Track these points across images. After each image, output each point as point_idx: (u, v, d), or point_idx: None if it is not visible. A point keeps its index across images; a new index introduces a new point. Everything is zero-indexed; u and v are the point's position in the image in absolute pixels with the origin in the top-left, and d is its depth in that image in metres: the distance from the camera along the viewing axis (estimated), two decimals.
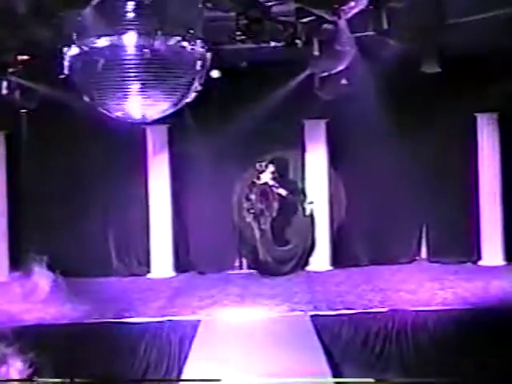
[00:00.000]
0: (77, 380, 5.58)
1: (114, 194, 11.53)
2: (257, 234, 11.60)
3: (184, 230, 12.10)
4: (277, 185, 11.71)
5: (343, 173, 11.94)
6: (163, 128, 11.71)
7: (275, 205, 11.69)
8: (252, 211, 11.61)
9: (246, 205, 11.69)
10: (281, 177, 11.82)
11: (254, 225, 11.61)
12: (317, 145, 11.88)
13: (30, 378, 6.15)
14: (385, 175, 11.46)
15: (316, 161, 11.92)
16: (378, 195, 11.66)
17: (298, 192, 11.96)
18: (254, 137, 11.39)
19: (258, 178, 11.70)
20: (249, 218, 11.67)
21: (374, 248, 11.88)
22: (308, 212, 11.87)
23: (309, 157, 11.97)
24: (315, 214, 11.90)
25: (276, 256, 11.66)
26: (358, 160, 11.65)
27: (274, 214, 11.67)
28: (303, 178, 12.05)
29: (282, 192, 11.71)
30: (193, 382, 6.82)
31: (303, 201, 11.88)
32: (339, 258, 11.90)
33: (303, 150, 11.98)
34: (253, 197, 11.64)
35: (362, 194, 11.72)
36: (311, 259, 11.95)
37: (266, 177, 11.69)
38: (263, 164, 11.67)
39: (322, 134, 11.85)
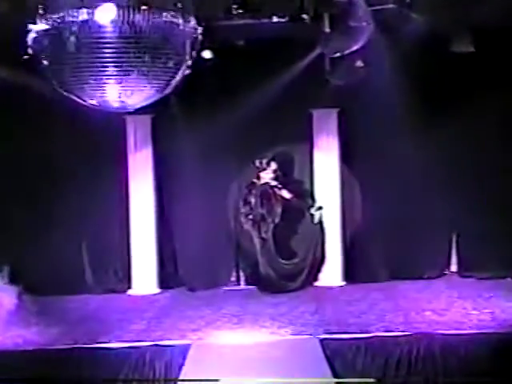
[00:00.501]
0: None
1: (89, 196, 11.54)
2: (257, 243, 11.61)
3: (170, 239, 12.13)
4: (280, 186, 11.72)
5: (358, 172, 11.95)
6: (146, 118, 11.74)
7: (278, 209, 11.70)
8: (251, 217, 11.62)
9: (243, 209, 11.71)
10: (284, 176, 11.85)
11: (254, 233, 11.62)
12: (327, 138, 11.90)
13: None
14: (407, 175, 11.49)
15: (326, 157, 11.94)
16: (399, 198, 11.66)
17: (304, 194, 11.99)
18: (253, 129, 11.42)
19: (258, 178, 11.72)
20: (247, 225, 11.68)
21: (394, 260, 11.89)
22: (317, 218, 11.88)
23: (318, 153, 11.99)
24: (325, 221, 11.92)
25: (279, 270, 11.67)
26: (375, 157, 11.66)
27: (277, 220, 11.68)
28: (311, 178, 12.07)
29: (286, 194, 11.72)
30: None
31: (311, 205, 11.90)
32: (354, 272, 11.92)
33: (311, 145, 12.00)
34: (252, 200, 11.66)
35: (380, 197, 11.70)
36: (321, 273, 11.96)
37: (268, 176, 11.70)
38: (264, 161, 11.68)
39: (333, 125, 11.87)
